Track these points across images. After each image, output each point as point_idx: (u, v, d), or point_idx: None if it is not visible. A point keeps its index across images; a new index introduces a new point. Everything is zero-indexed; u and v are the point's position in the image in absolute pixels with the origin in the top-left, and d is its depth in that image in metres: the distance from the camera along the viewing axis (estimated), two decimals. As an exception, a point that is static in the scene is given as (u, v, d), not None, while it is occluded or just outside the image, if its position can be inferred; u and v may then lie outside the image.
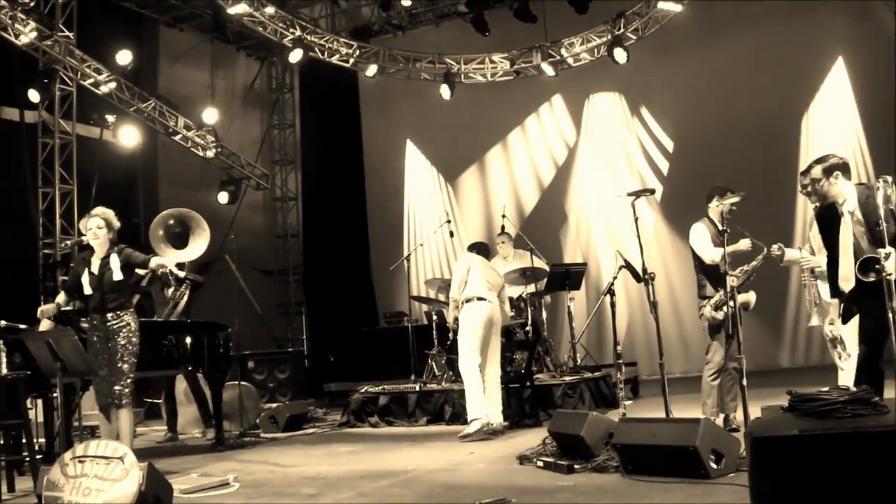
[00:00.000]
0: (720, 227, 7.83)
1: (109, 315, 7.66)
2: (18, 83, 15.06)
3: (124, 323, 7.71)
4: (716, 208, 8.12)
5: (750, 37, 15.07)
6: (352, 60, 16.51)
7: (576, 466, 6.55)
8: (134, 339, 7.74)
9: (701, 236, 8.16)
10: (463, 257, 10.22)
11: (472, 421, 9.21)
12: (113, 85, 15.52)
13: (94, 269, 7.69)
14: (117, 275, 7.68)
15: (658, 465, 6.00)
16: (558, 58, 15.65)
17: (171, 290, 11.39)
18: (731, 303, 7.51)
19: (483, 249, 10.43)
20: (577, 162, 16.86)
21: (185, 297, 11.40)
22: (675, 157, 15.83)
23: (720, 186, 8.21)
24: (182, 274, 11.37)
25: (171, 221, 9.86)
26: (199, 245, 10.04)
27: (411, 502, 6.12)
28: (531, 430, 9.48)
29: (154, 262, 7.93)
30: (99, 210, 7.95)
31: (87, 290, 7.62)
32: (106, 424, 7.71)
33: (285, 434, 11.32)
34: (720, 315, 7.95)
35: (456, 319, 9.81)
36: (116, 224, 7.94)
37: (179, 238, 10.57)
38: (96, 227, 7.73)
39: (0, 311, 11.61)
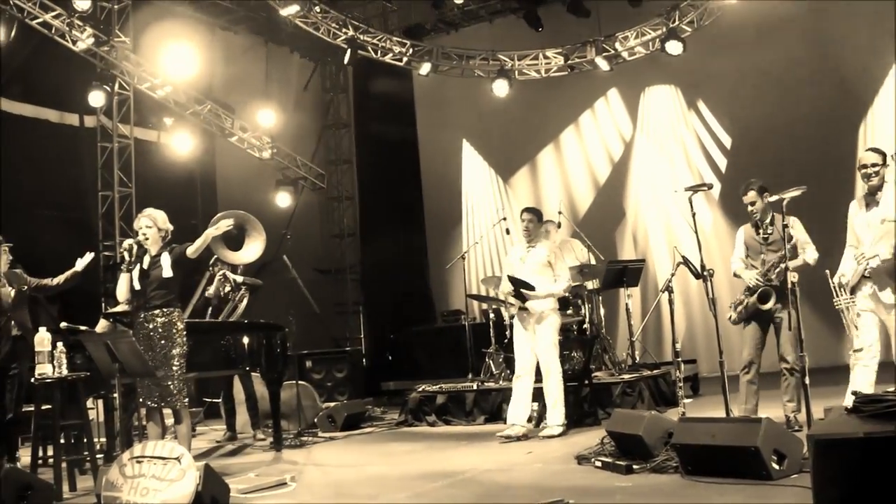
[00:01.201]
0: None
1: (156, 312, 7.68)
2: (77, 89, 15.23)
3: (171, 320, 7.72)
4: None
5: (808, 32, 14.83)
6: (405, 59, 16.50)
7: (634, 467, 6.48)
8: (180, 337, 7.74)
9: (735, 243, 8.50)
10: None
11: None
12: (169, 89, 15.66)
13: (145, 265, 7.72)
14: (167, 272, 7.69)
15: (718, 465, 5.90)
16: (612, 52, 15.52)
17: (227, 293, 11.48)
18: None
19: None
20: (634, 157, 16.73)
21: (245, 301, 11.48)
22: (733, 152, 15.61)
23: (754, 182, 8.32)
24: (240, 279, 11.45)
25: (229, 222, 9.90)
26: (254, 247, 10.09)
27: (468, 503, 6.08)
28: (589, 429, 9.40)
29: (191, 249, 7.90)
30: (147, 210, 7.99)
31: (137, 287, 7.65)
32: (153, 427, 7.74)
33: (343, 433, 11.34)
34: (734, 315, 8.23)
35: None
36: (166, 224, 7.96)
37: (235, 240, 10.66)
38: (145, 226, 7.78)
39: (61, 314, 11.80)
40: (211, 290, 11.68)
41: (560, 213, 12.70)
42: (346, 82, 20.40)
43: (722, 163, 15.76)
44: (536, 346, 9.33)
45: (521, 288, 9.20)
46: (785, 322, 7.95)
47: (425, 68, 16.37)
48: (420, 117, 19.23)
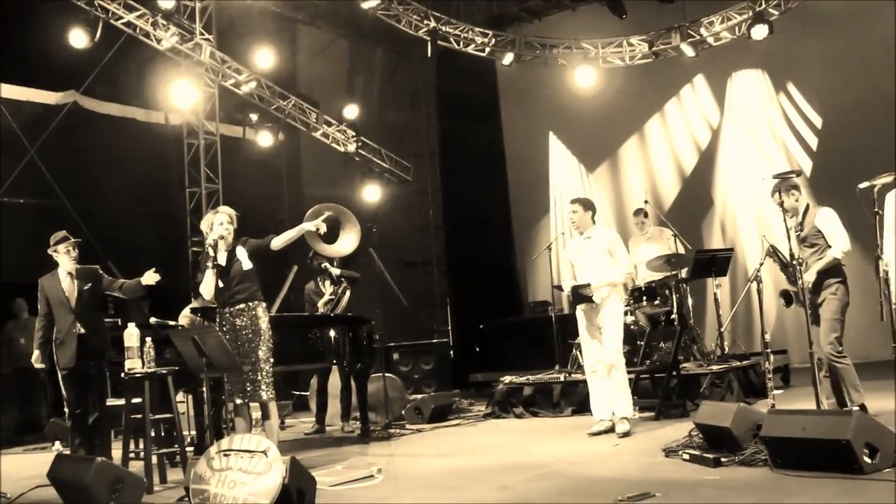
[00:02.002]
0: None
1: (241, 306, 7.74)
2: (162, 87, 15.46)
3: (256, 314, 7.78)
4: None
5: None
6: (488, 49, 16.45)
7: (722, 460, 6.37)
8: (267, 331, 7.80)
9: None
10: None
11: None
12: (253, 85, 15.81)
13: (223, 262, 7.78)
14: (246, 264, 7.75)
15: (808, 458, 5.76)
16: (698, 38, 15.29)
17: (330, 287, 11.57)
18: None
19: None
20: (721, 144, 16.46)
21: (347, 294, 11.57)
22: (822, 136, 15.29)
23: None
24: (337, 272, 11.52)
25: (323, 215, 9.96)
26: (349, 240, 10.13)
27: (553, 496, 6.04)
28: (677, 421, 9.27)
29: (277, 242, 7.94)
30: (223, 208, 8.04)
31: (219, 283, 7.71)
32: (241, 421, 7.80)
33: (430, 425, 11.35)
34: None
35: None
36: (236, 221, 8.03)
37: (330, 233, 10.73)
38: (227, 221, 7.82)
39: (151, 309, 11.99)
40: (310, 285, 11.81)
41: (646, 202, 12.58)
42: (430, 74, 20.40)
43: (811, 147, 15.46)
44: (601, 337, 8.97)
45: (581, 293, 8.95)
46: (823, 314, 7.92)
47: (508, 58, 16.31)
48: (504, 107, 19.18)
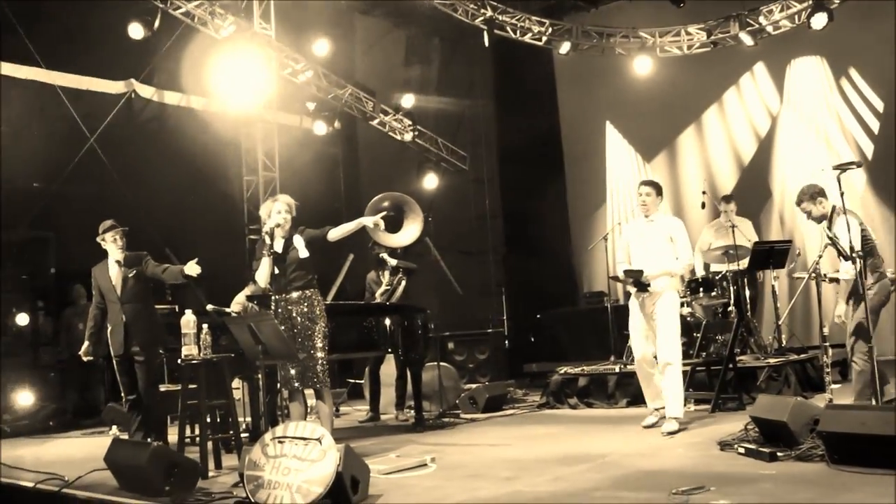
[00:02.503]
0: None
1: (297, 294, 7.78)
2: (220, 76, 15.56)
3: (312, 302, 7.82)
4: None
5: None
6: (544, 38, 16.37)
7: (778, 454, 6.30)
8: (322, 319, 7.83)
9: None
10: None
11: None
12: (311, 74, 15.86)
13: (279, 249, 7.82)
14: (303, 253, 7.78)
15: (866, 454, 5.67)
16: (756, 26, 15.11)
17: (388, 277, 11.61)
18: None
19: None
20: (779, 134, 16.24)
21: (403, 284, 11.61)
22: (886, 119, 14.99)
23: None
24: (394, 262, 11.56)
25: (386, 204, 9.98)
26: (412, 229, 10.16)
27: (607, 488, 6.01)
28: (733, 414, 9.20)
29: (335, 233, 7.96)
30: (281, 196, 8.07)
31: (275, 271, 7.75)
32: (296, 408, 7.85)
33: (484, 415, 11.35)
34: None
35: None
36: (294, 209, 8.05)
37: (393, 222, 10.76)
38: (285, 210, 7.86)
39: (208, 296, 12.06)
40: (371, 274, 11.86)
41: (704, 192, 12.47)
42: (486, 63, 20.33)
43: (873, 132, 15.20)
44: (655, 330, 8.72)
45: (634, 278, 8.70)
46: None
47: (565, 47, 16.22)
48: (561, 97, 19.08)
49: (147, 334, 9.15)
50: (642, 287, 8.65)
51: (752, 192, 16.14)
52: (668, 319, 8.66)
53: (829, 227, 8.14)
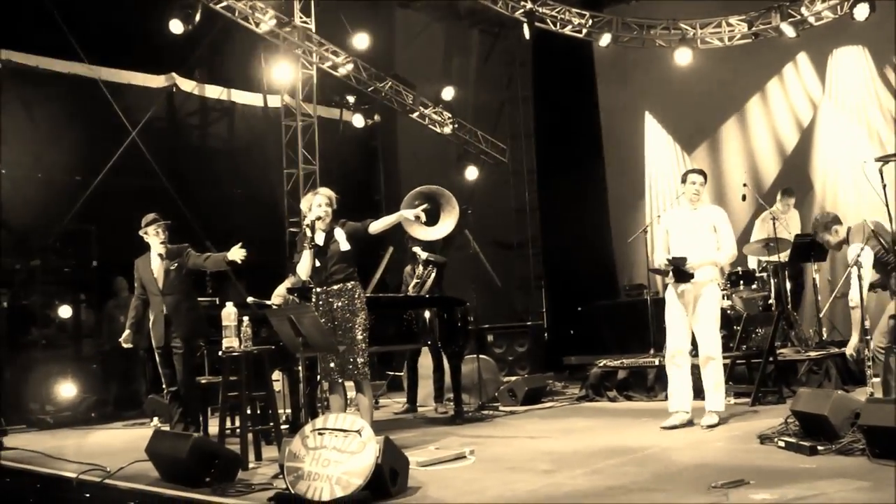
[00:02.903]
0: None
1: (338, 286, 7.82)
2: (261, 70, 15.67)
3: (352, 294, 7.85)
4: None
5: None
6: (585, 31, 16.33)
7: (819, 448, 6.26)
8: (363, 311, 7.87)
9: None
10: None
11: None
12: (350, 67, 15.92)
13: (321, 242, 7.86)
14: (344, 245, 7.81)
15: (908, 449, 5.67)
16: (798, 17, 14.97)
17: (419, 270, 11.64)
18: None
19: None
20: (821, 126, 16.07)
21: (432, 277, 11.62)
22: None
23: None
24: (425, 255, 11.58)
25: (422, 197, 10.00)
26: (448, 223, 10.16)
27: (646, 481, 6.00)
28: (773, 407, 9.14)
29: (376, 226, 7.99)
30: (321, 189, 8.10)
31: (316, 263, 7.78)
32: (336, 399, 7.88)
33: (523, 407, 11.34)
34: None
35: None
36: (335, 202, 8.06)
37: (428, 215, 10.77)
38: (325, 203, 7.89)
39: (248, 289, 12.15)
40: (408, 268, 11.89)
41: (745, 185, 12.40)
42: (526, 55, 20.29)
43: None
44: (695, 322, 8.55)
45: (678, 265, 8.44)
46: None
47: (605, 39, 16.16)
48: (601, 89, 18.98)
49: (187, 326, 9.24)
50: (685, 276, 8.41)
51: (793, 183, 15.98)
52: (710, 313, 8.52)
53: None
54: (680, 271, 8.41)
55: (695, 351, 8.79)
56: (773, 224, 11.38)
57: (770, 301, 11.23)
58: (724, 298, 11.44)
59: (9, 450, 9.53)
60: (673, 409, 8.59)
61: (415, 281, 11.63)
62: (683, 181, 8.81)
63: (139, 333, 9.63)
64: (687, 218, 8.74)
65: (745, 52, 16.02)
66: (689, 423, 8.45)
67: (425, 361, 11.93)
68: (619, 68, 18.25)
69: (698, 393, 8.70)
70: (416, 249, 11.61)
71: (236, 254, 8.88)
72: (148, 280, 9.31)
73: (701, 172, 8.85)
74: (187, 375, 9.21)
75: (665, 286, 9.01)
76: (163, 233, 9.33)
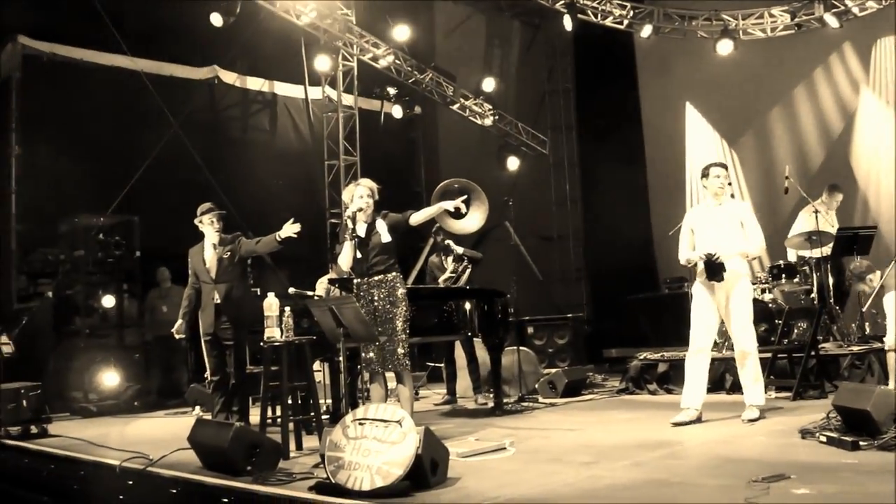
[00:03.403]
0: None
1: (379, 277, 7.85)
2: (303, 62, 15.73)
3: (393, 285, 7.88)
4: None
5: None
6: (626, 22, 16.29)
7: (861, 443, 6.19)
8: (403, 302, 7.90)
9: None
10: None
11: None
12: (391, 58, 15.96)
13: (362, 233, 7.89)
14: (385, 237, 7.85)
15: (951, 445, 5.62)
16: (842, 8, 14.84)
17: (452, 264, 11.64)
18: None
19: None
20: (866, 115, 15.93)
21: (467, 273, 11.63)
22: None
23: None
24: (460, 250, 11.59)
25: (456, 188, 9.99)
26: (478, 216, 10.15)
27: (686, 474, 5.99)
28: (814, 402, 9.07)
29: (416, 217, 8.01)
30: (363, 180, 8.11)
31: (357, 254, 7.81)
32: (377, 390, 7.91)
33: (563, 399, 11.32)
34: None
35: None
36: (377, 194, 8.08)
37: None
38: (367, 195, 7.92)
39: (290, 280, 12.21)
40: (434, 259, 11.90)
41: (787, 177, 12.29)
42: (567, 47, 20.25)
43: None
44: (728, 318, 8.37)
45: (714, 263, 8.20)
46: None
47: (647, 31, 16.12)
48: (642, 80, 18.93)
49: (237, 315, 9.31)
50: (718, 274, 8.20)
51: (836, 175, 15.85)
52: (743, 308, 8.35)
53: None
54: (712, 268, 8.21)
55: (728, 345, 8.69)
56: (816, 217, 11.30)
57: (812, 295, 11.16)
58: (765, 292, 11.40)
59: (53, 437, 9.69)
60: (685, 406, 8.44)
61: (448, 274, 11.61)
62: (705, 175, 8.60)
63: (190, 323, 9.72)
64: (712, 215, 8.54)
65: (788, 42, 15.90)
66: (699, 420, 8.33)
67: (462, 353, 11.96)
68: (661, 59, 18.18)
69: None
70: (450, 242, 11.61)
71: (289, 230, 8.88)
72: (200, 269, 9.38)
73: (723, 166, 8.65)
74: (237, 365, 9.29)
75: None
76: (217, 222, 9.39)
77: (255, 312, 9.41)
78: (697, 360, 8.47)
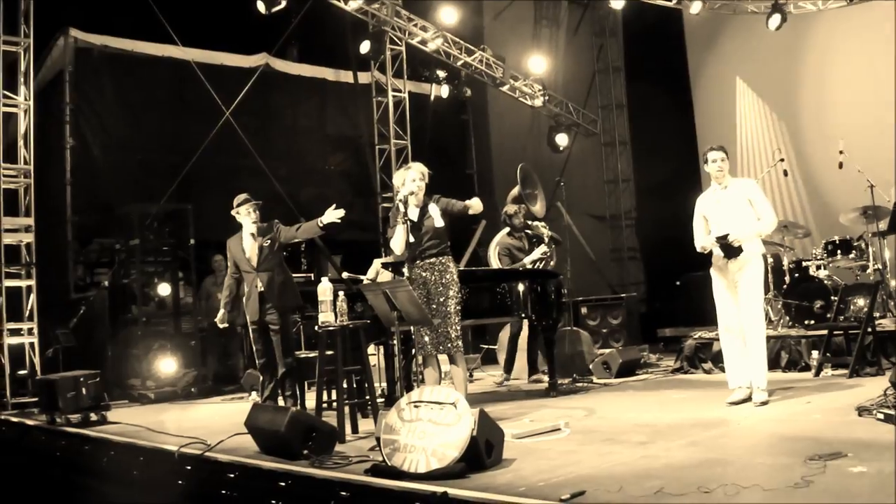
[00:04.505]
0: None
1: (432, 261, 7.88)
2: (351, 47, 15.76)
3: (446, 268, 7.90)
4: None
5: None
6: (675, -1, 16.17)
7: (919, 420, 6.19)
8: (455, 285, 7.91)
9: None
10: None
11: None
12: (440, 41, 15.95)
13: (414, 217, 7.91)
14: (438, 221, 7.86)
15: None
16: (895, -20, 14.63)
17: (543, 246, 11.56)
18: None
19: None
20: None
21: (554, 256, 11.61)
22: None
23: None
24: (550, 233, 11.53)
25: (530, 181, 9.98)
26: (542, 201, 10.15)
27: (743, 453, 5.97)
28: (872, 378, 8.98)
29: (474, 207, 8.02)
30: (414, 164, 8.12)
31: (410, 238, 7.83)
32: (431, 373, 7.95)
33: (618, 380, 11.32)
34: None
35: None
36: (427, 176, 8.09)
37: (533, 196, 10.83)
38: (419, 178, 7.93)
39: (344, 264, 12.27)
40: (512, 241, 11.75)
41: (841, 152, 12.16)
42: (616, 25, 20.15)
43: None
44: (738, 297, 8.32)
45: (728, 244, 8.17)
46: None
47: (696, 7, 15.94)
48: (691, 57, 18.77)
49: (281, 301, 9.41)
50: (735, 252, 8.18)
51: (891, 150, 15.65)
52: (755, 289, 8.30)
53: None
54: (728, 247, 8.19)
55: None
56: (872, 192, 11.18)
57: (868, 271, 11.04)
58: (821, 268, 11.31)
59: (112, 424, 9.83)
60: (733, 385, 8.42)
61: (538, 255, 11.42)
62: (705, 161, 8.56)
63: (234, 312, 9.84)
64: (719, 198, 8.51)
65: (839, 16, 15.67)
66: (751, 398, 8.25)
67: (522, 334, 11.97)
68: (710, 35, 18.01)
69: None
70: (538, 224, 11.52)
71: (332, 215, 8.95)
72: (240, 259, 9.49)
73: (721, 149, 8.54)
74: (284, 350, 9.38)
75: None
76: (254, 212, 9.48)
77: (297, 297, 9.54)
78: (728, 339, 8.50)
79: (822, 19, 15.82)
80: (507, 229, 11.59)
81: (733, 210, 8.36)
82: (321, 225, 9.04)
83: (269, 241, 9.41)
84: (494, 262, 11.57)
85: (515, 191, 11.60)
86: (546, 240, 11.34)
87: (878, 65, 16.00)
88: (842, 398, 8.00)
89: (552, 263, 11.49)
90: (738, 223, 8.27)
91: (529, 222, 11.49)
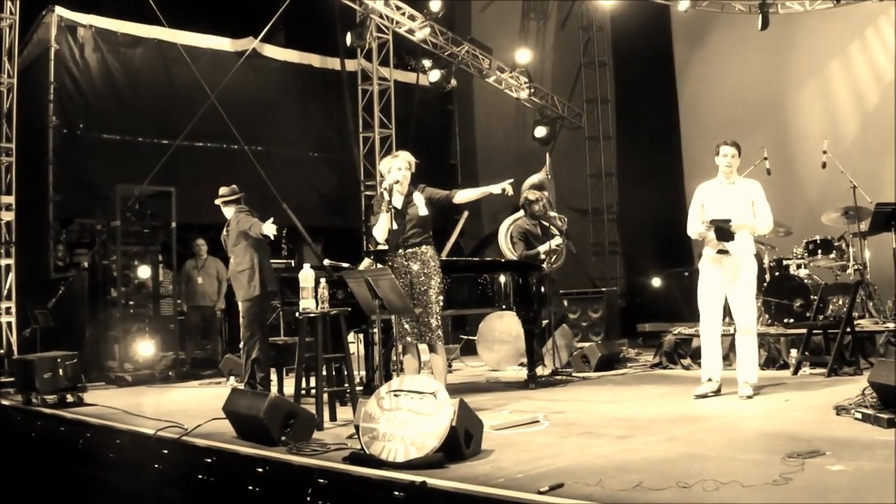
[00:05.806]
0: None
1: (413, 250, 7.87)
2: (338, 34, 15.73)
3: (429, 258, 7.90)
4: None
5: None
6: (663, -6, 16.19)
7: (896, 421, 6.21)
8: (438, 275, 7.91)
9: None
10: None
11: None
12: (427, 31, 15.91)
13: (398, 205, 7.91)
14: (422, 210, 7.86)
15: None
16: (885, -19, 14.67)
17: (558, 238, 11.49)
18: None
19: None
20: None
21: (564, 251, 11.58)
22: None
23: None
24: (565, 227, 11.49)
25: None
26: None
27: (721, 449, 5.98)
28: (850, 378, 9.03)
29: (460, 195, 8.02)
30: (400, 152, 8.13)
31: (393, 226, 7.82)
32: (410, 361, 7.95)
33: (597, 374, 11.32)
34: None
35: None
36: (413, 165, 8.09)
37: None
38: (405, 167, 7.92)
39: (325, 251, 12.26)
40: (526, 226, 11.67)
41: (825, 152, 12.19)
42: (604, 20, 20.15)
43: None
44: (732, 294, 8.45)
45: (722, 227, 8.23)
46: None
47: (683, 4, 15.97)
48: (678, 54, 18.79)
49: (241, 285, 9.59)
50: (728, 235, 8.21)
51: (874, 150, 15.70)
52: (748, 286, 8.43)
53: None
54: (722, 230, 8.23)
55: (730, 321, 8.78)
56: (854, 192, 11.22)
57: (848, 271, 11.08)
58: (801, 268, 11.35)
59: (89, 406, 9.79)
60: (706, 377, 8.61)
61: (553, 246, 11.33)
62: (717, 153, 8.68)
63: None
64: (723, 192, 8.62)
65: (825, 16, 15.71)
66: (719, 392, 8.48)
67: (500, 326, 11.96)
68: (697, 33, 18.03)
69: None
70: (556, 216, 11.49)
71: (268, 229, 9.32)
72: (224, 245, 9.79)
73: (734, 144, 8.67)
74: (247, 336, 9.66)
75: (699, 255, 8.84)
76: (226, 206, 9.76)
77: (243, 289, 9.77)
78: (710, 331, 8.63)
79: (809, 19, 15.84)
80: (521, 213, 11.51)
81: (735, 207, 8.44)
82: (261, 233, 9.36)
83: (230, 227, 9.68)
84: (506, 246, 11.48)
85: (536, 178, 11.62)
86: (562, 232, 11.35)
87: (862, 66, 16.09)
88: (820, 397, 8.04)
89: (562, 260, 11.49)
90: (736, 219, 8.35)
91: (551, 213, 11.48)
